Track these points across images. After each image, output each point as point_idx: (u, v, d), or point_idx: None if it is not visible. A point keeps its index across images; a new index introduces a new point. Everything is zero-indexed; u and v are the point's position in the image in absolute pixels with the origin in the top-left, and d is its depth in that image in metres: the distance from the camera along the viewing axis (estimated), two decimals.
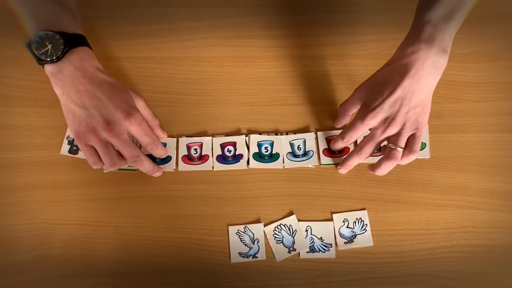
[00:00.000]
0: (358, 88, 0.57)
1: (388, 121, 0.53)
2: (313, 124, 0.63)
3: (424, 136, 0.61)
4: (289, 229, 0.57)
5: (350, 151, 0.60)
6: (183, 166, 0.60)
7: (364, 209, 0.59)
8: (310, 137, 0.62)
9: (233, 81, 0.65)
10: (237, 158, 0.60)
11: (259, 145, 0.61)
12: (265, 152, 0.61)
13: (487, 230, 0.58)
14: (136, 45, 0.67)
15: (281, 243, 0.57)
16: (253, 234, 0.57)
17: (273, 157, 0.61)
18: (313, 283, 0.55)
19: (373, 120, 0.54)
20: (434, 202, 0.59)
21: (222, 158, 0.60)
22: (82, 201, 0.58)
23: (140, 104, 0.57)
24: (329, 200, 0.59)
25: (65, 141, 0.61)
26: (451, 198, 0.59)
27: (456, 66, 0.66)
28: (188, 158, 0.60)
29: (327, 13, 0.70)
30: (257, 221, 0.58)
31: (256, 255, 0.56)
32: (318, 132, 0.62)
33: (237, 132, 0.62)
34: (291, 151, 0.61)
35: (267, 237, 0.57)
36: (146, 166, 0.56)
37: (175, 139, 0.61)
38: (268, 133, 0.62)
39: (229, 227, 0.57)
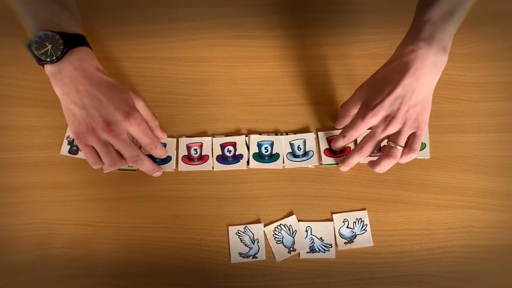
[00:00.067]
0: (358, 88, 0.57)
1: (388, 120, 0.53)
2: (313, 124, 0.63)
3: (424, 136, 0.61)
4: (289, 229, 0.57)
5: (351, 149, 0.60)
6: (183, 166, 0.60)
7: (364, 209, 0.59)
8: (310, 137, 0.62)
9: (233, 81, 0.65)
10: (237, 158, 0.60)
11: (259, 145, 0.61)
12: (265, 152, 0.61)
13: (487, 230, 0.58)
14: (136, 45, 0.67)
15: (281, 243, 0.57)
16: (253, 234, 0.57)
17: (273, 157, 0.61)
18: (313, 283, 0.55)
19: (374, 119, 0.54)
20: (434, 202, 0.59)
21: (222, 158, 0.60)
22: (82, 201, 0.58)
23: (139, 105, 0.57)
24: (329, 200, 0.59)
25: (65, 141, 0.61)
26: (451, 198, 0.59)
27: (456, 66, 0.66)
28: (188, 158, 0.60)
29: (327, 13, 0.70)
30: (257, 221, 0.58)
31: (256, 255, 0.56)
32: (319, 132, 0.62)
33: (237, 132, 0.62)
34: (291, 151, 0.61)
35: (267, 237, 0.57)
36: (146, 165, 0.56)
37: (175, 139, 0.61)
38: (268, 133, 0.62)
39: (229, 227, 0.57)
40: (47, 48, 0.51)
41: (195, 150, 0.61)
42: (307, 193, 0.59)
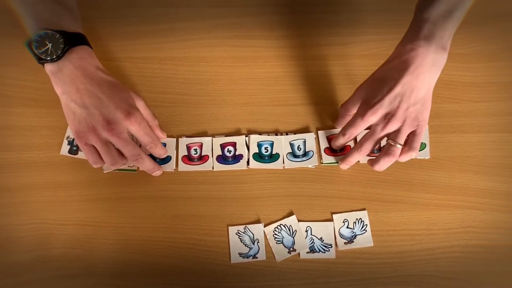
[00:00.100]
0: (358, 88, 0.58)
1: (388, 118, 0.53)
2: (313, 124, 0.63)
3: (424, 136, 0.61)
4: (289, 230, 0.57)
5: (351, 148, 0.60)
6: (183, 167, 0.60)
7: (364, 209, 0.59)
8: (310, 137, 0.62)
9: (233, 81, 0.65)
10: (237, 158, 0.60)
11: (259, 145, 0.61)
12: (265, 152, 0.61)
13: (487, 231, 0.58)
14: (136, 45, 0.67)
15: (281, 244, 0.57)
16: (253, 234, 0.57)
17: (273, 157, 0.61)
18: (313, 283, 0.55)
19: (373, 117, 0.54)
20: (434, 202, 0.59)
21: (222, 159, 0.60)
22: (82, 201, 0.58)
23: (140, 104, 0.57)
24: (329, 200, 0.59)
25: (65, 142, 0.61)
26: (451, 199, 0.59)
27: (456, 66, 0.66)
28: (188, 159, 0.60)
29: (327, 13, 0.70)
30: (257, 221, 0.58)
31: (256, 256, 0.56)
32: (319, 131, 0.62)
33: (237, 133, 0.62)
34: (291, 151, 0.61)
35: (267, 237, 0.57)
36: (147, 164, 0.56)
37: (175, 139, 0.61)
38: (268, 133, 0.62)
39: (229, 227, 0.57)
40: (47, 47, 0.51)
41: (195, 150, 0.61)
42: (307, 193, 0.59)
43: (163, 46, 0.67)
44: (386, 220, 0.58)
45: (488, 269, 0.57)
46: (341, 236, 0.57)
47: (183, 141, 0.61)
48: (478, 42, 0.68)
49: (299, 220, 0.58)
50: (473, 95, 0.65)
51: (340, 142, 0.59)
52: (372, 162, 0.57)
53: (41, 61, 0.52)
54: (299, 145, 0.61)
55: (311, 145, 0.61)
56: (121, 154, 0.55)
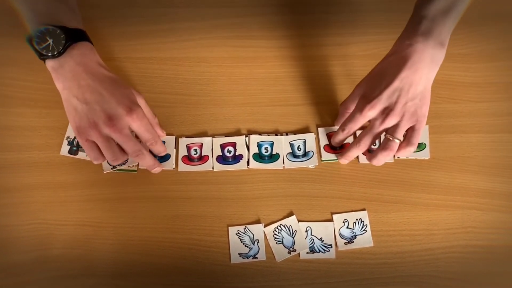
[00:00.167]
0: (357, 85, 0.58)
1: (386, 112, 0.53)
2: (313, 124, 0.63)
3: (424, 136, 0.62)
4: (289, 230, 0.57)
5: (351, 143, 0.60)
6: (183, 167, 0.60)
7: (364, 209, 0.59)
8: (310, 137, 0.62)
9: (233, 82, 0.65)
10: (237, 158, 0.60)
11: (259, 145, 0.61)
12: (265, 152, 0.61)
13: (487, 231, 0.58)
14: (136, 46, 0.67)
15: (281, 244, 0.57)
16: (253, 234, 0.57)
17: (273, 157, 0.61)
18: (313, 283, 0.55)
19: (372, 111, 0.54)
20: (434, 202, 0.59)
21: (222, 159, 0.60)
22: (82, 201, 0.58)
23: (140, 102, 0.57)
24: (329, 200, 0.59)
25: (65, 142, 0.61)
26: (451, 199, 0.59)
27: (456, 66, 0.66)
28: (188, 159, 0.60)
29: (327, 13, 0.70)
30: (257, 221, 0.58)
31: (256, 256, 0.56)
32: (319, 128, 0.62)
33: (237, 133, 0.62)
34: (291, 151, 0.61)
35: (267, 237, 0.57)
36: (147, 160, 0.56)
37: (174, 137, 0.61)
38: (268, 133, 0.62)
39: (229, 227, 0.57)
40: (48, 42, 0.51)
41: (195, 150, 0.61)
42: (307, 193, 0.59)
43: (163, 46, 0.67)
44: (386, 220, 0.58)
45: (488, 269, 0.57)
46: (341, 236, 0.57)
47: (183, 141, 0.61)
48: (478, 42, 0.68)
49: (299, 220, 0.58)
50: (473, 95, 0.65)
51: (339, 137, 0.59)
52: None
53: (42, 57, 0.52)
54: (299, 145, 0.61)
55: (311, 145, 0.61)
56: (122, 150, 0.55)
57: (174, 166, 0.60)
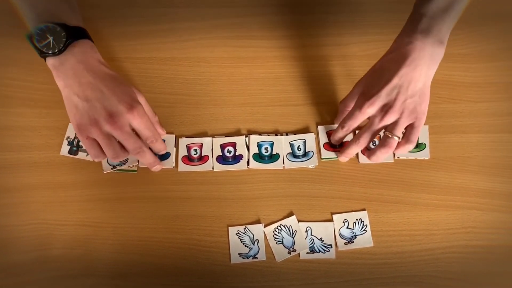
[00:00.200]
0: (357, 83, 0.58)
1: (385, 109, 0.53)
2: (313, 124, 0.63)
3: (424, 136, 0.62)
4: (289, 230, 0.57)
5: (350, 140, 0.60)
6: (183, 167, 0.60)
7: (364, 209, 0.59)
8: (310, 137, 0.62)
9: (233, 82, 0.65)
10: (237, 158, 0.60)
11: (259, 145, 0.61)
12: (265, 152, 0.61)
13: (487, 231, 0.58)
14: (136, 46, 0.67)
15: (281, 244, 0.57)
16: (253, 234, 0.57)
17: (273, 157, 0.61)
18: (313, 283, 0.55)
19: (371, 108, 0.54)
20: (434, 202, 0.59)
21: (222, 159, 0.60)
22: (82, 201, 0.58)
23: (141, 100, 0.56)
24: (329, 200, 0.59)
25: (65, 142, 0.61)
26: (451, 199, 0.59)
27: (456, 66, 0.66)
28: (188, 159, 0.60)
29: (327, 13, 0.70)
30: (257, 221, 0.58)
31: (256, 256, 0.56)
32: (318, 126, 0.63)
33: (237, 133, 0.62)
34: (291, 151, 0.61)
35: (267, 237, 0.57)
36: (148, 157, 0.56)
37: (174, 135, 0.61)
38: (268, 133, 0.62)
39: (229, 227, 0.57)
40: (49, 40, 0.51)
41: (195, 150, 0.61)
42: (307, 193, 0.59)
43: (163, 46, 0.67)
44: (386, 220, 0.58)
45: (488, 269, 0.57)
46: (341, 236, 0.57)
47: (183, 142, 0.61)
48: (478, 42, 0.68)
49: (299, 221, 0.58)
50: (473, 95, 0.65)
51: (339, 135, 0.59)
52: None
53: (43, 54, 0.52)
54: (299, 146, 0.61)
55: (311, 146, 0.61)
56: (122, 147, 0.55)
57: (174, 165, 0.60)
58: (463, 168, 0.61)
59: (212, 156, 0.61)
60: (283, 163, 0.60)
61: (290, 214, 0.58)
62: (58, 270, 0.55)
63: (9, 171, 0.59)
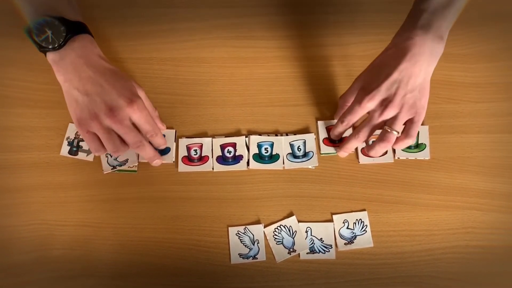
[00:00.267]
0: (356, 78, 0.58)
1: (385, 104, 0.53)
2: (313, 125, 0.63)
3: (424, 137, 0.62)
4: (289, 230, 0.57)
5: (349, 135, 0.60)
6: (183, 167, 0.60)
7: (364, 210, 0.59)
8: (310, 138, 0.62)
9: (233, 82, 0.65)
10: (237, 159, 0.60)
11: (259, 146, 0.61)
12: (265, 153, 0.61)
13: (487, 231, 0.58)
14: (136, 46, 0.67)
15: (281, 244, 0.57)
16: (253, 235, 0.57)
17: (273, 158, 0.61)
18: (313, 284, 0.55)
19: (370, 103, 0.54)
20: (434, 203, 0.59)
21: (222, 159, 0.60)
22: (82, 202, 0.58)
23: (141, 94, 0.56)
24: (329, 201, 0.59)
25: (65, 142, 0.61)
26: (451, 199, 0.59)
27: (456, 66, 0.66)
28: (188, 159, 0.60)
29: (327, 14, 0.70)
30: (257, 222, 0.58)
31: (256, 256, 0.56)
32: (318, 121, 0.63)
33: (237, 133, 0.62)
34: (291, 152, 0.61)
35: (267, 238, 0.57)
36: (148, 151, 0.56)
37: (174, 130, 0.62)
38: (268, 134, 0.62)
39: (229, 228, 0.57)
40: (47, 34, 0.51)
41: (195, 151, 0.61)
42: (307, 194, 0.59)
43: (163, 46, 0.67)
44: (386, 220, 0.58)
45: (489, 269, 0.57)
46: (341, 236, 0.57)
47: (183, 142, 0.61)
48: (478, 42, 0.68)
49: (299, 221, 0.58)
50: (473, 96, 0.65)
51: (338, 130, 0.59)
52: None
53: (42, 49, 0.52)
54: (299, 146, 0.61)
55: (311, 146, 0.61)
56: (123, 141, 0.54)
57: (174, 160, 0.60)
58: (463, 168, 0.61)
59: (212, 157, 0.60)
60: (283, 163, 0.60)
61: (290, 215, 0.58)
62: (58, 270, 0.55)
63: (9, 172, 0.59)
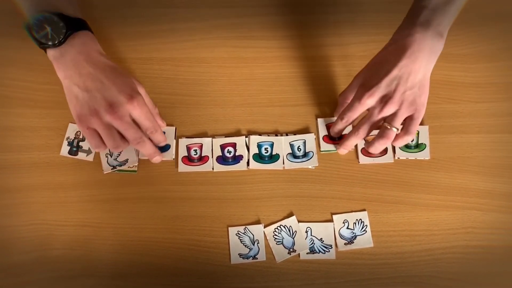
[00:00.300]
0: (356, 75, 0.58)
1: (385, 100, 0.53)
2: (313, 125, 0.63)
3: (424, 137, 0.62)
4: (289, 230, 0.57)
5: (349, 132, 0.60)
6: (183, 167, 0.60)
7: (364, 210, 0.59)
8: (310, 138, 0.62)
9: (233, 82, 0.65)
10: (237, 159, 0.60)
11: (259, 146, 0.61)
12: (265, 153, 0.61)
13: (487, 231, 0.58)
14: (136, 46, 0.67)
15: (281, 244, 0.57)
16: (253, 235, 0.57)
17: (273, 158, 0.61)
18: (313, 284, 0.55)
19: (370, 99, 0.54)
20: (434, 203, 0.59)
21: (222, 159, 0.60)
22: (82, 202, 0.58)
23: (141, 91, 0.56)
24: (329, 201, 0.59)
25: (65, 142, 0.61)
26: (451, 199, 0.59)
27: (456, 66, 0.66)
28: (188, 159, 0.60)
29: (327, 14, 0.70)
30: (257, 222, 0.58)
31: (256, 256, 0.56)
32: (318, 119, 0.63)
33: (237, 133, 0.62)
34: (291, 152, 0.61)
35: (267, 238, 0.57)
36: (148, 148, 0.56)
37: (174, 127, 0.62)
38: (268, 134, 0.62)
39: (229, 228, 0.57)
40: (47, 30, 0.51)
41: (195, 151, 0.61)
42: (307, 194, 0.59)
43: (163, 46, 0.67)
44: (386, 220, 0.58)
45: (488, 269, 0.57)
46: (341, 236, 0.57)
47: (183, 142, 0.61)
48: (478, 42, 0.68)
49: (299, 221, 0.58)
50: (473, 96, 0.65)
51: (338, 127, 0.59)
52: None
53: (42, 45, 0.52)
54: (299, 146, 0.61)
55: (311, 146, 0.61)
56: (123, 138, 0.54)
57: (174, 157, 0.60)
58: (463, 168, 0.61)
59: (212, 157, 0.60)
60: (283, 163, 0.60)
61: (290, 215, 0.58)
62: (58, 270, 0.55)
63: (9, 172, 0.59)
